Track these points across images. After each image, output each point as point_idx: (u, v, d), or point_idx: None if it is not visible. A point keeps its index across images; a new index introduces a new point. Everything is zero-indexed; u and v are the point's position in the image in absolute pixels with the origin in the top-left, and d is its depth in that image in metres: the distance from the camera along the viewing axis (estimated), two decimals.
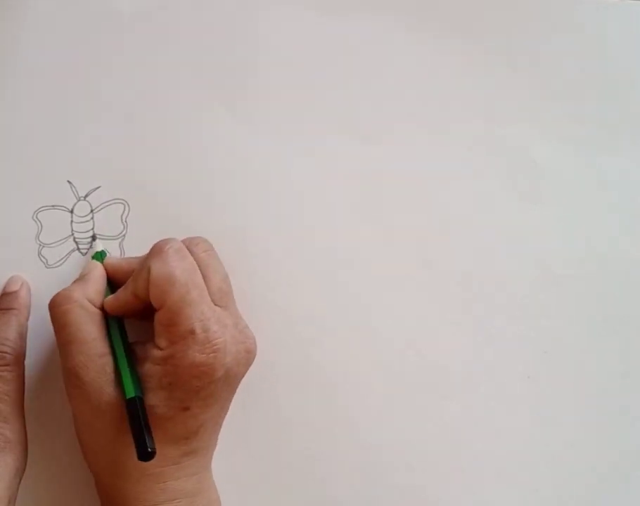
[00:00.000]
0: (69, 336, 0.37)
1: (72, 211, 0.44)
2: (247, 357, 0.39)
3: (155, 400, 0.36)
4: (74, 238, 0.43)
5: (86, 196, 0.44)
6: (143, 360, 0.37)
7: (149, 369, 0.37)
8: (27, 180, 0.44)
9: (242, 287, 0.42)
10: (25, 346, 0.41)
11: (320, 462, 0.42)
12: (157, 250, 0.38)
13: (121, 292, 0.39)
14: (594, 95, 0.47)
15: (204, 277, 0.38)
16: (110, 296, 0.40)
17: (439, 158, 0.46)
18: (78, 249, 0.43)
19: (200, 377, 0.36)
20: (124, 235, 0.44)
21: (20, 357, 0.40)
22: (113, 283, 0.41)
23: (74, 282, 0.40)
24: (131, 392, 0.36)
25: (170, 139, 0.45)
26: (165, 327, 0.37)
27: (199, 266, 0.38)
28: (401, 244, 0.45)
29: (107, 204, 0.44)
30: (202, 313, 0.36)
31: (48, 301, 0.40)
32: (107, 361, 0.37)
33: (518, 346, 0.44)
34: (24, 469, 0.39)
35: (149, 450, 0.34)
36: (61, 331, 0.38)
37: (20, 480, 0.39)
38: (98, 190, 0.44)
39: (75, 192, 0.44)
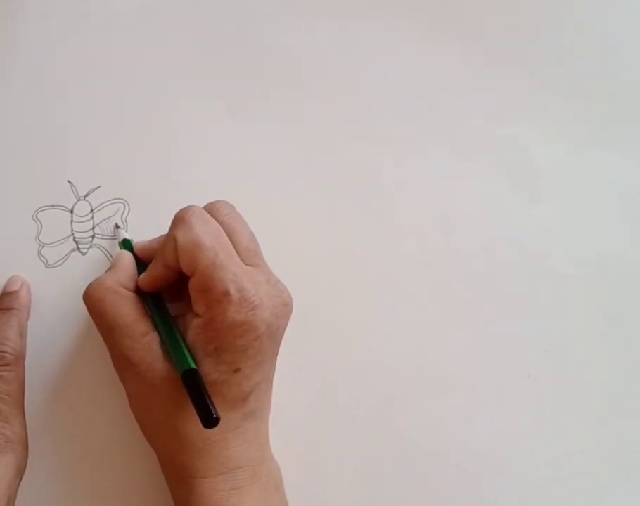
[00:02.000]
0: (109, 322, 0.37)
1: (72, 211, 0.44)
2: (285, 309, 0.38)
3: (206, 368, 0.36)
4: (74, 238, 0.43)
5: (86, 196, 0.44)
6: (185, 331, 0.37)
7: (193, 339, 0.37)
8: (27, 180, 0.44)
9: None
10: (25, 346, 0.41)
11: (319, 462, 0.42)
12: (179, 219, 0.38)
13: (152, 267, 0.39)
14: (594, 95, 0.47)
15: (230, 239, 0.38)
16: (143, 274, 0.40)
17: (439, 158, 0.46)
18: (78, 248, 0.43)
19: (243, 336, 0.36)
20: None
21: (20, 357, 0.40)
22: (148, 265, 0.40)
23: (105, 272, 0.40)
24: (184, 365, 0.36)
25: (170, 139, 0.45)
26: (200, 292, 0.37)
27: (223, 230, 0.38)
28: (401, 244, 0.45)
29: (107, 204, 0.44)
30: (233, 274, 0.36)
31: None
32: (152, 338, 0.37)
33: (518, 345, 0.44)
34: (24, 469, 0.39)
35: (214, 416, 0.34)
36: (100, 319, 0.38)
37: (21, 480, 0.39)
38: (98, 190, 0.44)
39: (75, 192, 0.44)
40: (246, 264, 0.38)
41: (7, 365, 0.39)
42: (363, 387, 0.43)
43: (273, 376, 0.40)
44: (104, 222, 0.44)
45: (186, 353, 0.36)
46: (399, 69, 0.47)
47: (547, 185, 0.46)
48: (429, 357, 0.44)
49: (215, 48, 0.46)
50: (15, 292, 0.41)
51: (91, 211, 0.44)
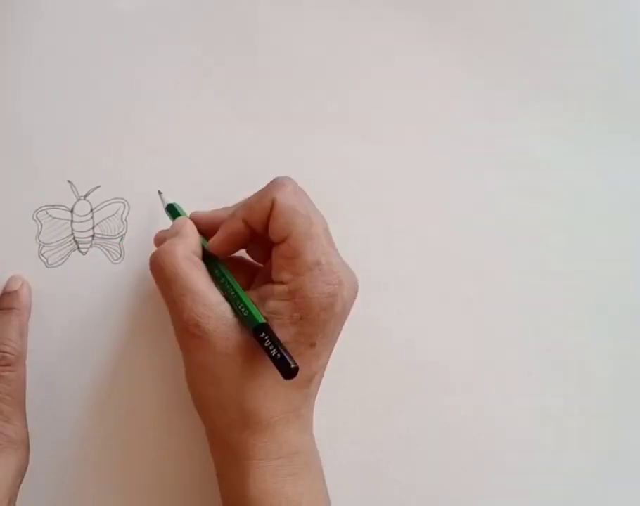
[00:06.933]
0: (182, 289, 0.36)
1: (72, 211, 0.44)
2: (353, 294, 0.38)
3: (287, 335, 0.35)
4: (74, 238, 0.44)
5: (86, 195, 0.44)
6: (264, 299, 0.37)
7: (275, 306, 0.36)
8: (27, 180, 0.44)
9: None
10: (26, 346, 0.41)
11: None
12: (280, 184, 0.37)
13: (227, 225, 0.38)
14: (594, 93, 0.47)
15: None
16: (217, 234, 0.38)
17: (439, 157, 0.46)
18: (78, 248, 0.43)
19: (327, 309, 0.36)
20: (123, 235, 0.44)
21: (21, 357, 0.40)
22: (203, 238, 0.40)
23: (169, 239, 0.38)
24: (258, 319, 0.35)
25: (170, 139, 0.45)
26: (289, 259, 0.36)
27: None
28: (401, 243, 0.45)
29: (107, 203, 0.44)
30: (323, 246, 0.36)
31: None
32: (227, 308, 0.36)
33: (519, 343, 0.45)
34: (25, 469, 0.39)
35: (292, 366, 0.33)
36: (171, 285, 0.36)
37: (22, 479, 0.39)
38: (98, 189, 0.44)
39: (75, 192, 0.44)
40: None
41: (8, 365, 0.39)
42: (364, 387, 0.43)
43: None
44: (104, 221, 0.44)
45: (257, 311, 0.35)
46: (398, 69, 0.47)
47: (547, 184, 0.46)
48: (429, 356, 0.44)
49: (215, 48, 0.46)
50: (16, 291, 0.41)
51: (91, 210, 0.44)
